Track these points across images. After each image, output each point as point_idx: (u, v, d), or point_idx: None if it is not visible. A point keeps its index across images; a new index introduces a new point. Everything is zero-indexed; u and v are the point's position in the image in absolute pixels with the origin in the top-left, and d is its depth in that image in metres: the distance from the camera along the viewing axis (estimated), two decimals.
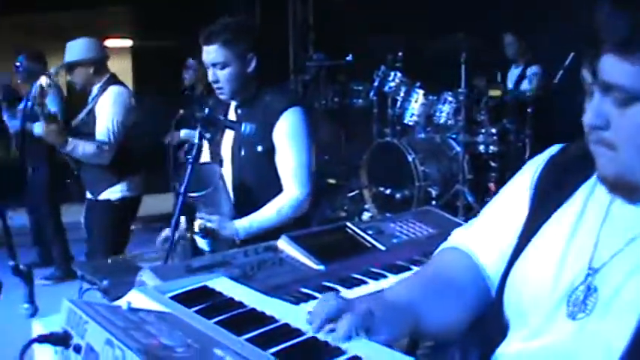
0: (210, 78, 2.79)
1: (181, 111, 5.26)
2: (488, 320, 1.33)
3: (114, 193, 4.23)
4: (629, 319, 1.08)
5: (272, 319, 1.27)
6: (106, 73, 4.38)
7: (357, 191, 6.53)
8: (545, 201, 1.29)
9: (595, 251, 1.18)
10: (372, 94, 6.54)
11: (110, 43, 14.70)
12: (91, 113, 4.23)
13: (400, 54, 6.28)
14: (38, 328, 1.27)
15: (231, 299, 1.40)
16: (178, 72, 6.82)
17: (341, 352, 1.12)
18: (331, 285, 1.99)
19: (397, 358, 1.12)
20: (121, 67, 13.54)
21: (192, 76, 6.51)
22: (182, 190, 2.35)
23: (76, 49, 4.29)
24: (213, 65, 2.75)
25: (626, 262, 1.13)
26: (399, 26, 7.13)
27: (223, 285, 1.49)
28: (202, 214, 2.62)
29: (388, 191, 5.90)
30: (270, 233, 2.55)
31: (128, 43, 13.49)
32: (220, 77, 2.75)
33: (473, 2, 6.61)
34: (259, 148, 2.79)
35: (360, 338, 1.15)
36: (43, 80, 4.49)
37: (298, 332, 1.21)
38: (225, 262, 2.01)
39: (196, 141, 2.37)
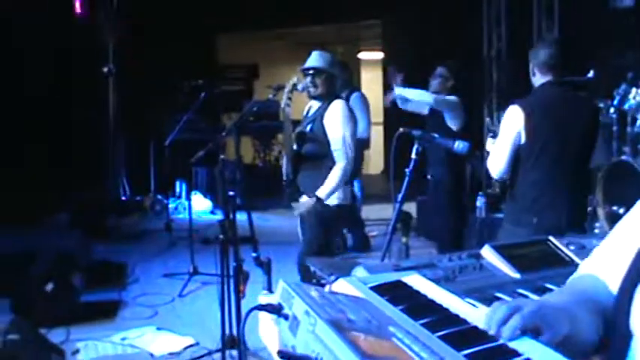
0: None
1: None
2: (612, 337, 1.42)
3: (331, 199, 4.57)
4: None
5: (445, 310, 1.49)
6: (338, 89, 4.70)
7: (590, 208, 6.42)
8: None
9: None
10: (611, 111, 6.40)
11: (363, 55, 15.42)
12: (316, 121, 4.59)
13: None
14: (263, 299, 1.59)
15: (417, 292, 1.64)
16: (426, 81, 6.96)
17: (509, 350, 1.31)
18: (524, 292, 2.14)
19: None
20: (373, 77, 14.18)
21: (437, 85, 6.37)
22: (400, 198, 2.62)
23: (327, 58, 4.66)
24: None
25: None
26: None
27: (415, 281, 1.73)
28: None
29: (622, 211, 5.75)
30: None
31: (379, 55, 14.07)
32: None
33: None
34: None
35: (526, 338, 1.31)
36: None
37: (465, 321, 1.42)
38: (431, 264, 2.25)
39: (414, 156, 2.62)
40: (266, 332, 1.54)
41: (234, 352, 4.14)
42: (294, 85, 4.65)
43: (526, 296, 2.11)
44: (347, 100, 6.36)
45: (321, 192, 4.50)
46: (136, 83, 9.95)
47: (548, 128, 3.96)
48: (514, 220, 4.18)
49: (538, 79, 4.06)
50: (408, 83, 6.23)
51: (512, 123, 3.95)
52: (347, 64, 7.46)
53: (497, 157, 4.02)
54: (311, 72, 4.60)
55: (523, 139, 3.94)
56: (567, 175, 4.03)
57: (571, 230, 3.69)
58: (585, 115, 4.12)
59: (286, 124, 4.67)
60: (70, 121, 9.57)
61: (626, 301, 1.39)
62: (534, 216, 3.99)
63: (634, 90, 6.00)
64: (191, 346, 4.87)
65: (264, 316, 1.55)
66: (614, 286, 1.47)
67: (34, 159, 8.76)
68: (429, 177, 6.25)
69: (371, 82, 14.20)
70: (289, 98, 4.59)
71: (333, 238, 4.67)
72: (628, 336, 1.38)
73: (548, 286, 2.19)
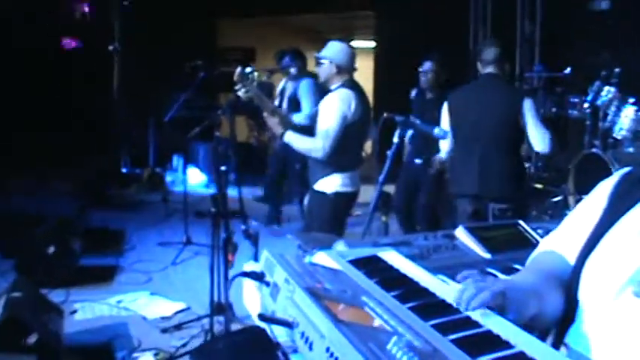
0: None
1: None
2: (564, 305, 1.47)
3: (328, 186, 4.29)
4: None
5: (416, 284, 1.52)
6: (344, 79, 4.46)
7: (561, 197, 6.49)
8: (616, 207, 1.45)
9: None
10: (585, 107, 6.45)
11: (355, 43, 15.35)
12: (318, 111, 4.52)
13: (617, 70, 6.13)
14: (249, 267, 1.62)
15: (391, 266, 1.66)
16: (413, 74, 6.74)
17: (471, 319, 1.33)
18: (493, 271, 2.17)
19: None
20: (364, 65, 14.14)
21: (429, 80, 6.03)
22: (381, 179, 2.64)
23: (333, 48, 4.50)
24: None
25: None
26: (622, 43, 6.93)
27: (390, 256, 1.76)
28: None
29: None
30: None
31: (371, 44, 14.00)
32: None
33: None
34: None
35: (491, 313, 1.33)
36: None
37: (434, 295, 1.45)
38: (407, 242, 2.27)
39: (395, 140, 2.64)
40: (249, 298, 1.57)
41: (222, 318, 4.16)
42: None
43: (495, 275, 2.14)
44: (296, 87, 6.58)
45: (289, 135, 4.37)
46: (139, 62, 9.91)
47: (466, 112, 4.50)
48: (451, 192, 4.79)
49: (480, 71, 4.61)
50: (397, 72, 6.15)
51: (444, 112, 4.60)
52: (301, 52, 7.25)
53: (443, 142, 4.68)
54: (320, 61, 4.54)
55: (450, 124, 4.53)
56: (479, 151, 4.43)
57: (496, 198, 4.36)
58: (507, 103, 4.47)
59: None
60: (71, 88, 9.54)
61: (578, 271, 1.45)
62: (454, 185, 4.66)
63: (606, 87, 6.04)
64: (182, 311, 4.89)
65: (248, 283, 1.57)
66: (573, 261, 1.51)
67: (38, 130, 8.73)
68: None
69: (362, 69, 14.15)
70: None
71: (337, 229, 4.38)
72: (576, 303, 1.43)
73: (516, 266, 2.22)
